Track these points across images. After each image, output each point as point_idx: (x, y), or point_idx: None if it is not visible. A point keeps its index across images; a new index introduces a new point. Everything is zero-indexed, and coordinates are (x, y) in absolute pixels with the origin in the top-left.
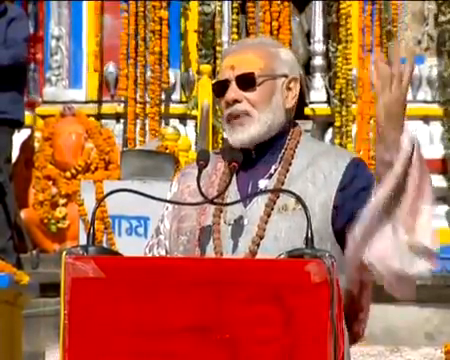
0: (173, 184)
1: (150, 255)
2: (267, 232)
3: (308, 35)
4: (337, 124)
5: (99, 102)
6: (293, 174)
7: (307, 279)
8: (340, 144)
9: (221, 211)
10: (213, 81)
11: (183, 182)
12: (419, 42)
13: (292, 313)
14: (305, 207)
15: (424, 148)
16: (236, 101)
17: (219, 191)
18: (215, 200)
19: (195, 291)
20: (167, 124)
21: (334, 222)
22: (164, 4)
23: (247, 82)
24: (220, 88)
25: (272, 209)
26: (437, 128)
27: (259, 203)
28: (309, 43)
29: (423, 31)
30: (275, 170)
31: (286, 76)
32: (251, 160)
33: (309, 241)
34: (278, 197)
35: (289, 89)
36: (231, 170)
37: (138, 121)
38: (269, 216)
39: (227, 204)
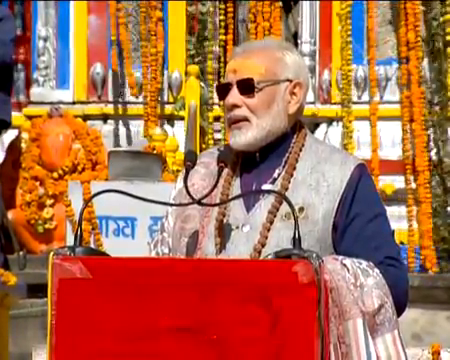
0: (178, 181)
1: (154, 252)
2: (269, 240)
3: (295, 36)
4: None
5: (86, 103)
6: (297, 180)
7: (294, 279)
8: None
9: (224, 215)
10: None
11: (189, 179)
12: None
13: (279, 313)
14: (291, 205)
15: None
16: (235, 106)
17: (222, 193)
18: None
19: (182, 292)
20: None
21: (332, 236)
22: (159, 4)
23: (247, 88)
24: (223, 91)
25: (275, 216)
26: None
27: (262, 209)
28: (297, 44)
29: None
30: (279, 174)
31: (290, 81)
32: (255, 163)
33: (297, 242)
34: (281, 204)
35: (293, 94)
36: (219, 170)
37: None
38: (272, 223)
39: (214, 205)
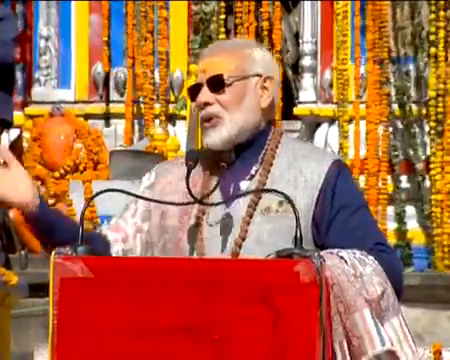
0: (152, 175)
1: (106, 228)
2: (249, 233)
3: (297, 36)
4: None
5: (88, 102)
6: (275, 176)
7: (296, 279)
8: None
9: (204, 212)
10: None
11: (164, 177)
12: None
13: (281, 313)
14: (293, 206)
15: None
16: (207, 104)
17: (206, 191)
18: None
19: (184, 291)
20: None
21: (312, 231)
22: (164, 4)
23: (217, 84)
24: (194, 92)
25: (254, 210)
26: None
27: (241, 204)
28: (298, 43)
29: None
30: (256, 171)
31: (260, 75)
32: (232, 161)
33: (298, 241)
34: (260, 198)
35: (264, 88)
36: (221, 170)
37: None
38: (251, 217)
39: (215, 204)
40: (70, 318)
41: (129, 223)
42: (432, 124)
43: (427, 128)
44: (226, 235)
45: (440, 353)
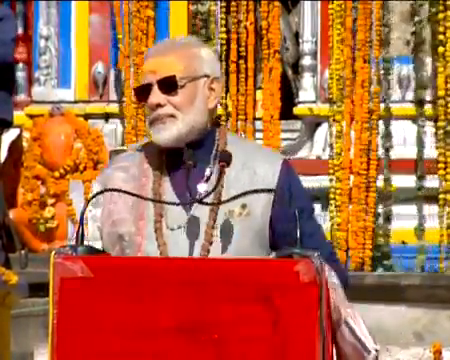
0: (96, 186)
1: None
2: (215, 238)
3: (297, 35)
4: None
5: (88, 102)
6: (230, 177)
7: (296, 279)
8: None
9: (162, 216)
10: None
11: (111, 185)
12: (408, 42)
13: (281, 313)
14: (291, 204)
15: (412, 148)
16: (159, 105)
17: (154, 193)
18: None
19: (184, 291)
20: None
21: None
22: (151, 4)
23: (169, 86)
24: (143, 92)
25: (216, 214)
26: (427, 128)
27: (203, 207)
28: (298, 43)
29: (412, 31)
30: (211, 172)
31: (208, 76)
32: (182, 161)
33: (298, 241)
34: (220, 202)
35: (211, 89)
36: (220, 169)
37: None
38: (215, 221)
39: (217, 203)
40: (70, 318)
41: None
42: (441, 124)
43: (425, 127)
44: (191, 239)
45: (440, 353)
